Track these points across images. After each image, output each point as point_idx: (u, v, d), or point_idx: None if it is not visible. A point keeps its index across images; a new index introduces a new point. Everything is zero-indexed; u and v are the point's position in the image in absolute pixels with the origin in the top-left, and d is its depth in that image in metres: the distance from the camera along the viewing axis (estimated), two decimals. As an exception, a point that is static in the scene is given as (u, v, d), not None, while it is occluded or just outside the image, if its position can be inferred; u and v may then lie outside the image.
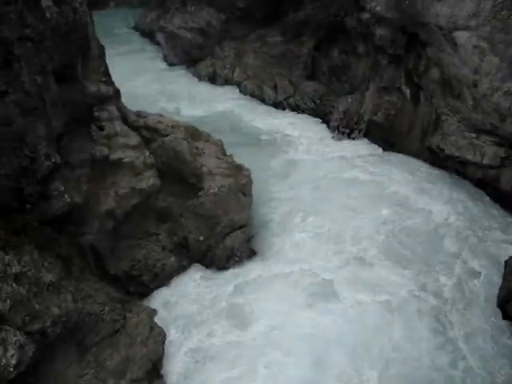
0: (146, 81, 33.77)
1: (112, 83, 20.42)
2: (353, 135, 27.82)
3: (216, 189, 20.30)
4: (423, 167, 25.11)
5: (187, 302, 18.15)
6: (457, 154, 23.52)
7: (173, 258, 19.26)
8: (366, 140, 27.55)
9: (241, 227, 20.37)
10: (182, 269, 19.44)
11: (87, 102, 18.28)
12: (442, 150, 24.06)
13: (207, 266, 19.59)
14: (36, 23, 15.38)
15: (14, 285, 13.00)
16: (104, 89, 19.32)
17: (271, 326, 16.81)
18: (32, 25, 15.18)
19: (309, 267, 19.13)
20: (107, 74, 20.19)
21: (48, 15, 15.94)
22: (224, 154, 22.63)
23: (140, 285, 18.44)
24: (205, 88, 34.14)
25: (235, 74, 34.20)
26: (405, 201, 22.63)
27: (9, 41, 14.26)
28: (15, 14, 14.67)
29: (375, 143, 27.07)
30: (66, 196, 16.12)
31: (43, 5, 15.78)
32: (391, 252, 19.68)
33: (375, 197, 22.94)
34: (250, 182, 21.68)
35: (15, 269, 13.21)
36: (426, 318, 17.00)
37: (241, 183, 21.19)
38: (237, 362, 15.71)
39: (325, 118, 29.20)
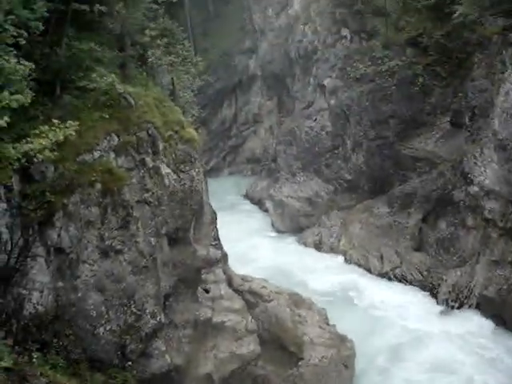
0: (254, 246, 34.67)
1: (221, 247, 21.18)
2: (462, 309, 26.59)
3: (317, 360, 19.74)
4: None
5: None
6: None
7: (268, 431, 18.42)
8: (476, 315, 26.13)
9: (341, 403, 19.42)
10: None
11: (196, 265, 18.89)
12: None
13: None
14: (155, 188, 16.60)
15: None
16: (213, 253, 20.05)
17: None
18: (151, 190, 16.40)
19: None
20: (217, 238, 21.04)
21: (167, 182, 17.18)
22: (327, 323, 22.21)
23: None
24: (310, 255, 34.41)
25: (341, 243, 34.37)
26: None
27: (129, 204, 15.40)
28: (137, 179, 16.01)
29: (486, 319, 25.59)
30: (167, 356, 16.21)
31: (163, 172, 17.08)
32: None
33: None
34: (353, 355, 20.92)
35: (110, 427, 13.13)
36: None
37: (343, 355, 20.49)
38: None
39: (433, 291, 28.28)
